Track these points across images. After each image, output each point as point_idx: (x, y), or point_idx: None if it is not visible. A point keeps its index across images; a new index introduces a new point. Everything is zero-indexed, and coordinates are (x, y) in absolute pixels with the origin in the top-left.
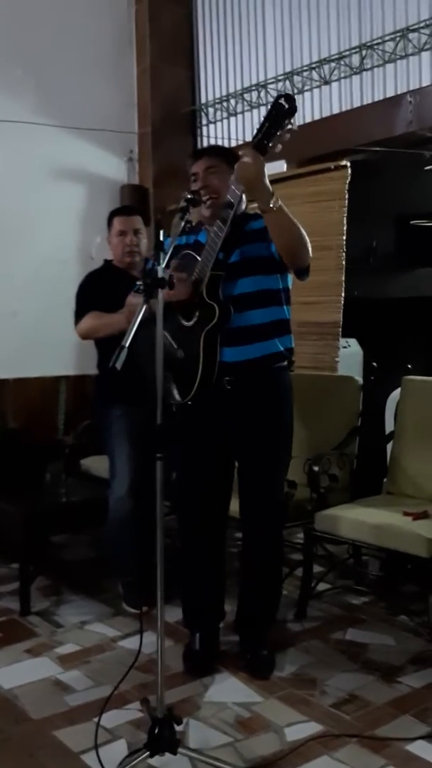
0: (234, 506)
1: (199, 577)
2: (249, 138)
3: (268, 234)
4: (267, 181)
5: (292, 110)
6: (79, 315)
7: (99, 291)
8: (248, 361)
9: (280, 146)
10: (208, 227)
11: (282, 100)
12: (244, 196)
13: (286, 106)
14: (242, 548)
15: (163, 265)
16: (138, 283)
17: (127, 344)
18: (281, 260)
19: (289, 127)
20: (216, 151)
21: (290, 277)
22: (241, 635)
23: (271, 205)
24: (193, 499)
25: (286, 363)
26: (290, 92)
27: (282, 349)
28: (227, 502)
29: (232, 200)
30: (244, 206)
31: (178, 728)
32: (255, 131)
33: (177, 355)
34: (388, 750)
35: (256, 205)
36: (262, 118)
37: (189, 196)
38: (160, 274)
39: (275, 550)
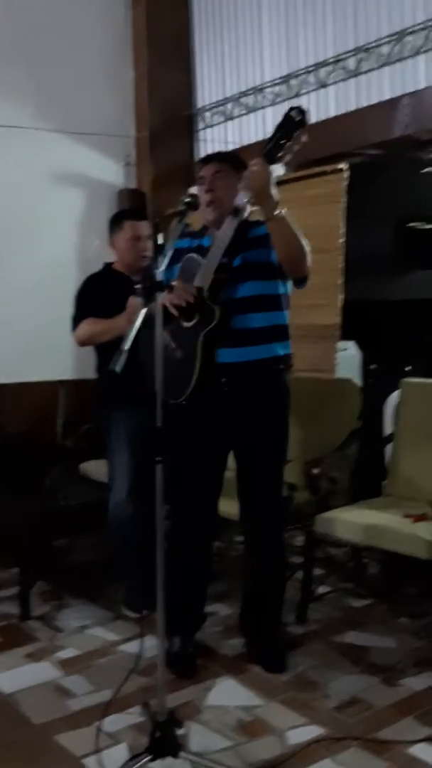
0: (231, 509)
1: (185, 580)
2: (246, 142)
3: (269, 240)
4: (274, 191)
5: (303, 122)
6: (76, 320)
7: (99, 295)
8: (247, 363)
9: (289, 156)
10: (215, 231)
11: (293, 113)
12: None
13: (298, 118)
14: (247, 550)
15: (163, 269)
16: (137, 286)
17: (127, 348)
18: (280, 266)
19: (302, 139)
20: (224, 156)
21: (290, 284)
22: (250, 635)
23: (275, 214)
24: (187, 500)
25: (283, 367)
26: (287, 96)
27: (281, 353)
28: (217, 504)
29: (239, 207)
30: (247, 213)
31: (179, 732)
32: (267, 140)
33: (176, 355)
34: (390, 753)
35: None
36: (259, 121)
37: (187, 200)
38: (159, 277)
39: (281, 549)
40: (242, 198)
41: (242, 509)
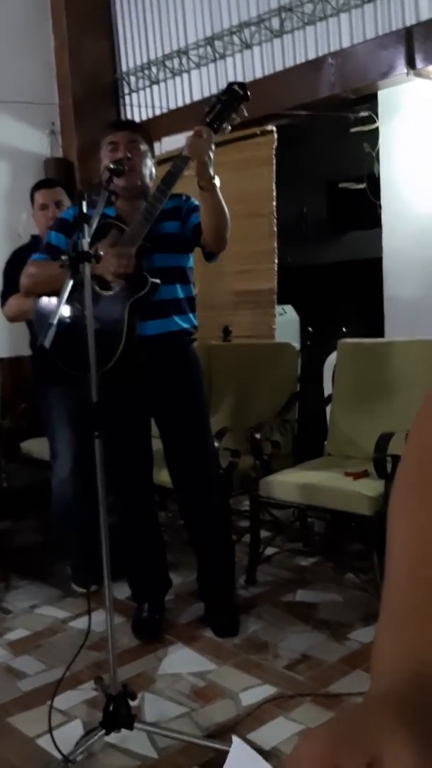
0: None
1: (139, 548)
2: (173, 106)
3: (178, 213)
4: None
5: (247, 96)
6: (4, 296)
7: None
8: (166, 333)
9: (229, 128)
10: (116, 200)
11: (236, 86)
12: (153, 171)
13: (241, 92)
14: (184, 518)
15: (88, 239)
16: (63, 257)
17: (56, 321)
18: (192, 239)
19: (244, 112)
20: (137, 127)
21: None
22: (205, 602)
23: (215, 183)
24: (119, 470)
25: (195, 337)
26: (212, 58)
27: (195, 323)
28: (151, 472)
29: (175, 172)
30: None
31: (133, 703)
32: (206, 111)
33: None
34: (341, 706)
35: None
36: (185, 85)
37: (112, 166)
38: (84, 247)
39: (218, 517)
40: (178, 163)
41: (171, 477)
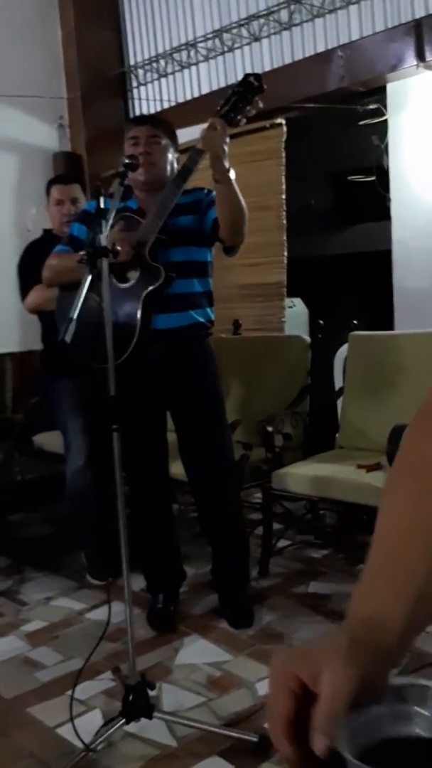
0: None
1: (154, 540)
2: (181, 99)
3: (197, 207)
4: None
5: (262, 88)
6: (24, 290)
7: (40, 261)
8: (181, 327)
9: (244, 120)
10: (138, 193)
11: (251, 78)
12: (175, 165)
13: (256, 84)
14: (199, 511)
15: (106, 233)
16: (81, 253)
17: (76, 316)
18: (211, 234)
19: (259, 104)
20: (160, 121)
21: (211, 252)
22: (219, 593)
23: (227, 177)
24: (135, 463)
25: (211, 331)
26: (221, 50)
27: (212, 317)
28: (167, 465)
29: (189, 168)
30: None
31: (151, 693)
32: (221, 103)
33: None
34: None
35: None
36: (193, 78)
37: (127, 161)
38: (102, 242)
39: (233, 509)
40: (194, 156)
41: (186, 470)
